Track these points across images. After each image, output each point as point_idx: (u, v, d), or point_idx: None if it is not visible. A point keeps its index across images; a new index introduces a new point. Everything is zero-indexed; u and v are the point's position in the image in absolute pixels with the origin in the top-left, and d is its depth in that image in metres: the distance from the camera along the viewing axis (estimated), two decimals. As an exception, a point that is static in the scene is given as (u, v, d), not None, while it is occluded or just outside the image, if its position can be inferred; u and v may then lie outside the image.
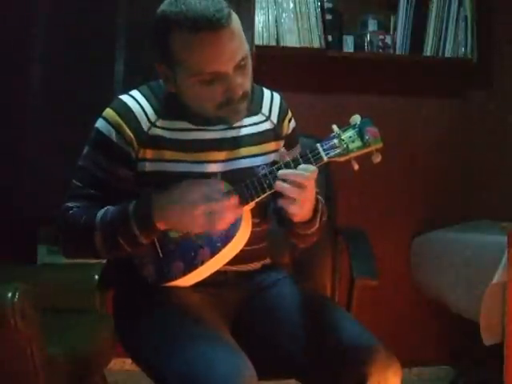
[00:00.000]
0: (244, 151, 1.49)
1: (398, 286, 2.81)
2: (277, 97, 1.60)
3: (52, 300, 2.12)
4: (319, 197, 1.46)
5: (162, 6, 1.36)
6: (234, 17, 1.34)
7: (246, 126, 1.51)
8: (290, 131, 1.59)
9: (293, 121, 1.61)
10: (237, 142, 1.49)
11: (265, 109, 1.56)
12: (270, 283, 1.56)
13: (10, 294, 1.56)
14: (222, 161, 1.47)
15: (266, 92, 1.59)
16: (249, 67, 1.40)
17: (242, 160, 1.48)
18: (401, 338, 2.68)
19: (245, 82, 1.39)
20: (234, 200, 1.32)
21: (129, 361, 2.55)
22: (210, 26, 1.29)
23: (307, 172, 1.30)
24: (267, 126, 1.55)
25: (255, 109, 1.54)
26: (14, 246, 2.56)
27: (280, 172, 1.32)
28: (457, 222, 2.74)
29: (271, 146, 1.54)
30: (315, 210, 1.42)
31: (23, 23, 2.75)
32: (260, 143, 1.52)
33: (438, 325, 2.87)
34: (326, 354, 1.34)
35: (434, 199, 2.89)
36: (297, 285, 1.58)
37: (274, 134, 1.55)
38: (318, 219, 1.45)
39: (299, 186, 1.30)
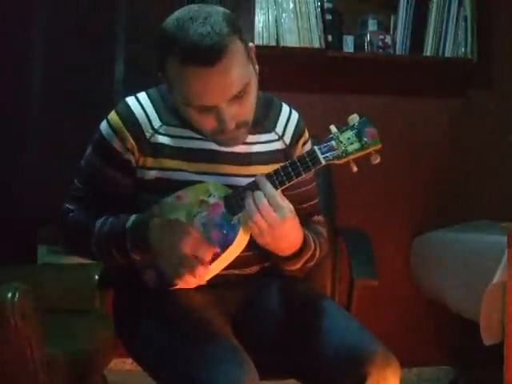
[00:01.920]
0: (251, 169, 1.45)
1: (397, 286, 2.80)
2: (295, 116, 1.55)
3: (52, 300, 2.12)
4: (314, 242, 1.45)
5: (167, 20, 1.31)
6: (234, 47, 1.27)
7: (256, 143, 1.47)
8: None
9: (309, 143, 1.56)
10: (243, 158, 1.46)
11: (279, 128, 1.52)
12: (270, 284, 1.56)
13: (10, 294, 1.56)
14: (227, 175, 1.44)
15: (285, 109, 1.54)
16: (251, 94, 1.34)
17: (248, 179, 1.39)
18: (401, 337, 2.68)
19: (241, 112, 1.33)
20: (202, 272, 1.28)
21: (129, 361, 2.55)
22: (199, 61, 1.23)
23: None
24: (278, 145, 1.51)
25: (269, 126, 1.51)
26: (14, 245, 2.56)
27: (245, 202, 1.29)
28: (457, 222, 2.73)
29: None
30: (297, 255, 1.40)
31: (23, 23, 2.75)
32: (269, 163, 1.47)
33: (438, 325, 2.87)
34: (325, 354, 1.34)
35: (434, 199, 2.89)
36: (297, 285, 1.58)
37: (284, 155, 1.50)
38: (301, 263, 1.44)
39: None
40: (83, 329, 2.05)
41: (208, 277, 1.37)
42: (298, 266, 1.45)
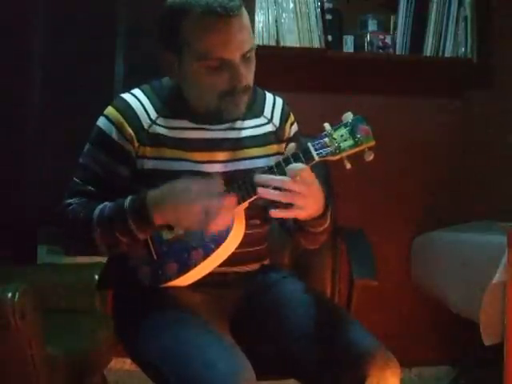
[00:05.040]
0: (245, 153, 1.50)
1: (398, 286, 2.80)
2: (279, 100, 1.60)
3: (52, 300, 2.12)
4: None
5: None
6: (245, 10, 1.40)
7: (247, 128, 1.52)
8: (291, 135, 1.59)
9: (295, 125, 1.61)
10: (238, 143, 1.50)
11: (267, 112, 1.56)
12: (269, 283, 1.56)
13: (10, 294, 1.56)
14: (223, 161, 1.47)
15: (269, 96, 1.60)
16: (253, 62, 1.43)
17: (243, 161, 1.49)
18: (401, 337, 2.68)
19: (248, 74, 1.41)
20: (231, 200, 1.31)
21: (129, 361, 2.53)
22: (222, 11, 1.32)
23: (296, 169, 1.28)
24: (269, 128, 1.55)
25: (257, 111, 1.55)
26: (14, 245, 2.56)
27: (256, 179, 1.30)
28: (457, 222, 2.73)
29: (273, 148, 1.54)
30: (325, 207, 1.40)
31: (23, 23, 2.75)
32: (262, 145, 1.52)
33: (438, 325, 2.87)
34: (325, 354, 1.35)
35: (434, 199, 2.89)
36: (297, 285, 1.58)
37: (275, 137, 1.55)
38: (329, 217, 1.43)
39: (285, 190, 1.28)
40: (83, 329, 2.05)
41: (205, 272, 1.36)
42: (327, 222, 1.44)
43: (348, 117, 1.33)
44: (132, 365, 1.51)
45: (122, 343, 1.51)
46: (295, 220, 1.43)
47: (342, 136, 1.32)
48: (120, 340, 1.52)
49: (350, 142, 1.32)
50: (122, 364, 2.60)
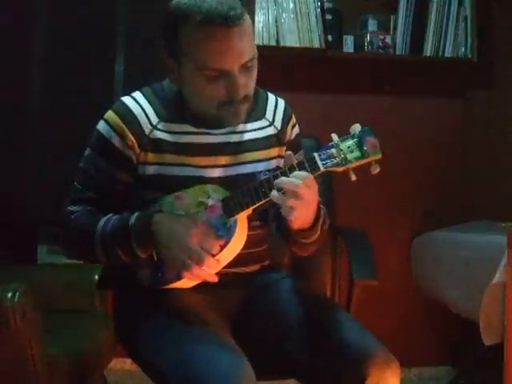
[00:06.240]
0: (247, 156, 1.49)
1: (398, 286, 2.80)
2: (281, 102, 1.59)
3: (52, 300, 2.12)
4: (321, 205, 1.43)
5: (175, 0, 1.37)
6: (247, 18, 1.36)
7: (249, 131, 1.51)
8: (292, 137, 1.58)
9: (297, 127, 1.60)
10: (239, 147, 1.49)
11: (269, 114, 1.55)
12: (270, 283, 1.56)
13: (10, 294, 1.56)
14: (224, 166, 1.46)
15: (271, 97, 1.59)
16: (255, 70, 1.40)
17: (245, 165, 1.48)
18: (401, 337, 2.68)
19: (249, 83, 1.39)
20: (211, 264, 1.30)
21: (129, 361, 2.54)
22: (221, 21, 1.30)
23: (300, 179, 1.27)
24: (271, 131, 1.54)
25: (259, 114, 1.54)
26: (14, 245, 2.56)
27: (276, 181, 1.30)
28: (457, 222, 2.73)
29: (274, 151, 1.53)
30: (316, 218, 1.39)
31: (23, 23, 2.75)
32: (263, 148, 1.51)
33: (438, 325, 2.87)
34: (325, 354, 1.35)
35: (434, 199, 2.89)
36: (297, 285, 1.58)
37: (276, 140, 1.54)
38: (319, 228, 1.43)
39: (293, 194, 1.27)
40: (83, 329, 2.05)
41: (215, 270, 1.36)
42: (318, 233, 1.43)
43: (356, 128, 1.32)
44: (132, 365, 1.51)
45: (122, 343, 1.51)
46: (286, 231, 1.42)
47: (348, 147, 1.31)
48: (120, 340, 1.52)
49: (357, 153, 1.30)
50: (122, 364, 2.60)
